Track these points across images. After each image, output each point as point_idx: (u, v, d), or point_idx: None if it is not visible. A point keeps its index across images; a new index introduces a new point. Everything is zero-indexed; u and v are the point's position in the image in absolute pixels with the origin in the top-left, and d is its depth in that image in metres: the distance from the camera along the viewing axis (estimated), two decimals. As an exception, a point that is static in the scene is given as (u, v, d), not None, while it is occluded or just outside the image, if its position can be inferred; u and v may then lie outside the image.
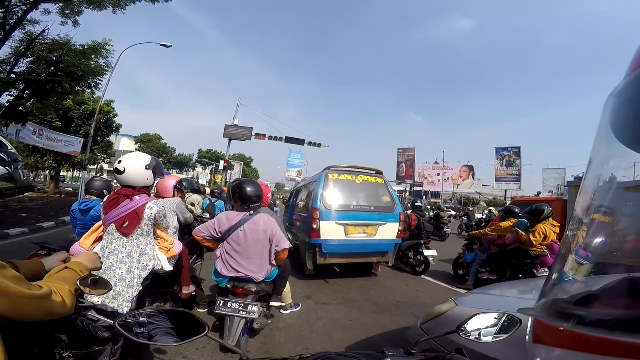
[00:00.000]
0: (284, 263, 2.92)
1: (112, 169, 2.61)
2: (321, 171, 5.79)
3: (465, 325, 1.45)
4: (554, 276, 0.81)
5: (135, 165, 2.32)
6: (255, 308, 2.55)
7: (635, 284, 0.70)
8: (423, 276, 6.27)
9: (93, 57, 13.20)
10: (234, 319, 2.56)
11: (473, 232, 6.98)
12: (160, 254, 2.40)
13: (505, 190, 39.00)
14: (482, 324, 1.56)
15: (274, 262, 2.75)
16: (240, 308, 2.55)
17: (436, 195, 47.40)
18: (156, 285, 2.66)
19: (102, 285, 1.22)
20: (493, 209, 18.27)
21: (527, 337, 0.79)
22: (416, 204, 7.86)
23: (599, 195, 0.78)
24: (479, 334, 1.51)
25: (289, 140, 28.31)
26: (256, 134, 27.21)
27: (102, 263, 1.40)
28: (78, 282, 1.10)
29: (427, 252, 6.32)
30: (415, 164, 48.37)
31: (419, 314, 2.54)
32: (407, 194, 44.14)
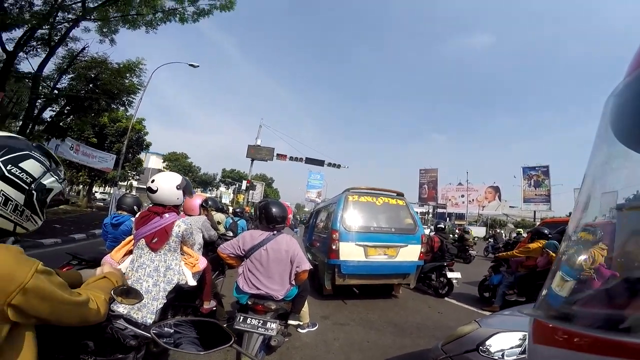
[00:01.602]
0: (304, 283, 2.95)
1: (141, 186, 2.80)
2: (341, 192, 5.85)
3: (488, 346, 1.41)
4: (554, 277, 0.81)
5: (167, 184, 2.47)
6: (273, 325, 2.57)
7: (634, 284, 0.70)
8: (446, 298, 6.08)
9: (127, 75, 13.92)
10: (252, 335, 2.58)
11: (500, 253, 6.72)
12: (185, 269, 2.50)
13: (534, 211, 37.08)
14: (506, 344, 1.51)
15: (293, 282, 2.79)
16: (259, 324, 2.57)
17: (460, 217, 45.76)
18: (179, 299, 2.74)
19: (133, 295, 1.27)
20: (521, 231, 17.43)
21: (528, 338, 0.79)
22: (439, 226, 7.74)
23: (600, 201, 0.77)
24: (502, 354, 1.46)
25: (309, 161, 28.69)
26: (277, 155, 27.78)
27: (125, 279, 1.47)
28: (112, 292, 1.15)
29: (450, 274, 6.14)
30: (437, 185, 47.14)
31: (440, 336, 2.46)
32: (430, 215, 42.91)
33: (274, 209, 2.82)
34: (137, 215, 2.58)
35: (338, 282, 5.02)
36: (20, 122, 14.08)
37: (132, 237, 2.50)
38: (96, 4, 11.57)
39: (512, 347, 1.52)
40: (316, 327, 3.75)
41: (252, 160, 27.59)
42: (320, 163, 28.99)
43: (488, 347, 1.41)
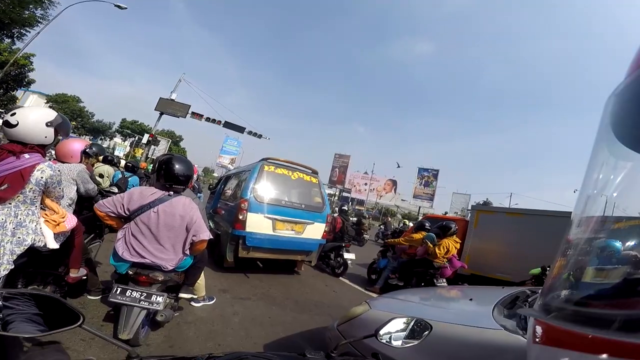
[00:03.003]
0: (201, 253, 2.69)
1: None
2: (257, 161, 5.58)
3: (386, 332, 1.50)
4: (554, 276, 0.81)
5: (32, 118, 1.88)
6: (160, 299, 2.29)
7: (635, 284, 0.71)
8: (341, 277, 6.51)
9: (31, 6, 11.84)
10: (132, 309, 2.25)
11: (388, 240, 7.55)
12: (45, 227, 1.98)
13: (419, 207, 43.54)
14: (392, 328, 1.64)
15: (188, 252, 2.50)
16: (142, 298, 2.25)
17: (360, 202, 50.37)
18: (35, 265, 2.19)
19: None
20: (407, 221, 20.13)
21: (527, 338, 0.80)
22: (343, 208, 8.17)
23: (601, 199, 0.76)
24: (390, 338, 1.58)
25: (228, 125, 26.93)
26: (193, 113, 25.23)
27: None
28: None
29: (346, 255, 6.57)
30: (347, 170, 50.84)
31: (335, 315, 2.61)
32: (336, 197, 45.90)
33: (177, 165, 2.45)
34: None
35: (241, 254, 4.84)
36: None
37: None
38: None
39: (397, 331, 1.67)
40: (213, 301, 3.54)
41: (161, 113, 24.40)
42: (240, 129, 27.45)
43: (386, 335, 1.50)
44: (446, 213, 39.83)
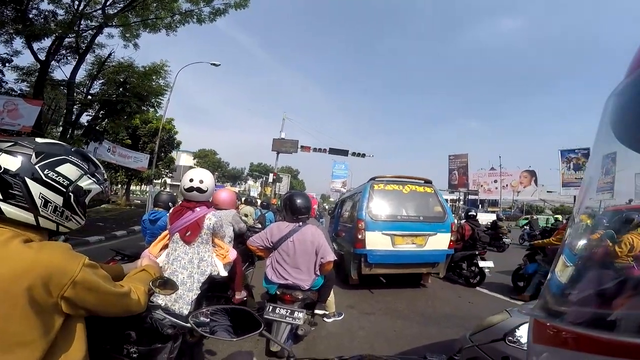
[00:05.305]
0: (329, 272, 3.00)
1: (174, 183, 2.99)
2: (366, 182, 5.82)
3: (518, 336, 1.37)
4: (554, 276, 0.81)
5: (212, 182, 2.64)
6: (300, 314, 2.65)
7: (635, 284, 0.70)
8: (477, 288, 5.95)
9: (154, 77, 14.40)
10: (280, 324, 2.67)
11: (536, 241, 6.44)
12: (217, 260, 2.62)
13: (574, 196, 34.67)
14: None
15: (318, 272, 2.85)
16: (287, 314, 2.66)
17: (494, 203, 43.79)
18: (212, 290, 2.88)
19: (170, 286, 1.33)
20: (559, 217, 16.52)
21: (527, 338, 0.79)
22: (470, 213, 7.49)
23: (593, 196, 0.79)
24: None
25: (333, 151, 28.55)
26: (301, 147, 27.89)
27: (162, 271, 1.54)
28: (150, 283, 1.21)
29: (482, 263, 5.97)
30: (468, 170, 45.26)
31: (469, 326, 2.42)
32: (461, 202, 41.46)
33: (298, 200, 2.89)
34: (170, 211, 2.72)
35: (364, 271, 5.04)
36: (61, 128, 14.94)
37: (167, 231, 2.65)
38: (115, 10, 12.05)
39: None
40: (342, 317, 3.80)
41: (278, 153, 27.95)
42: (344, 153, 28.79)
43: (518, 338, 1.37)
44: (630, 201, 30.39)
